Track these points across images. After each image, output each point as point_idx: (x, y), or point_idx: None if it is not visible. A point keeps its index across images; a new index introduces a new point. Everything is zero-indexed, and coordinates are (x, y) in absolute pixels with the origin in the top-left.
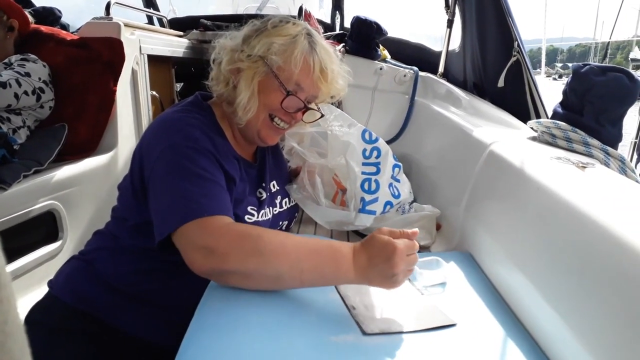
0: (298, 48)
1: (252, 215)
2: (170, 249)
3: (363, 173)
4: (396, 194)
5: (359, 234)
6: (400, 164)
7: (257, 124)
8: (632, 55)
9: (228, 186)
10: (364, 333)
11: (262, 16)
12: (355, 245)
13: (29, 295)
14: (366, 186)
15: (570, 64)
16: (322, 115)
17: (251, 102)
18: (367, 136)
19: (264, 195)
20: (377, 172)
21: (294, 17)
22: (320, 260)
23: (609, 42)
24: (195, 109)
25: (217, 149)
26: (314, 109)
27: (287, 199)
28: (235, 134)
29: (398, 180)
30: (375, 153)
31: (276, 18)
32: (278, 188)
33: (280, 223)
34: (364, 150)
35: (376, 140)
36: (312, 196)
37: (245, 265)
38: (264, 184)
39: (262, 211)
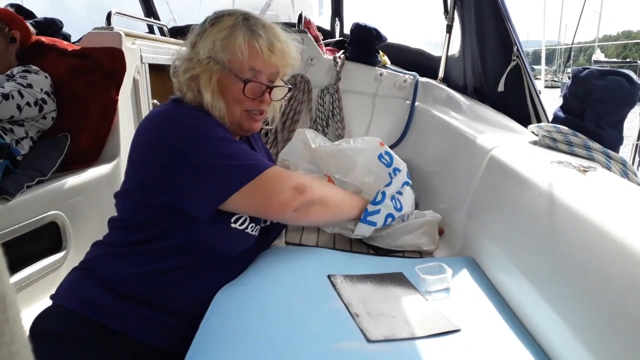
0: (239, 37)
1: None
2: (199, 230)
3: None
4: (398, 206)
5: (362, 242)
6: (410, 181)
7: (235, 119)
8: (594, 57)
9: None
10: (368, 340)
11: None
12: None
13: (33, 306)
14: (376, 198)
15: (535, 67)
16: (290, 89)
17: (215, 100)
18: (384, 160)
19: None
20: (389, 184)
21: (295, 24)
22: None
23: (571, 47)
24: (181, 105)
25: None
26: (279, 86)
27: None
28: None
29: (401, 194)
30: (397, 173)
31: (212, 15)
32: None
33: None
34: (390, 175)
35: (391, 160)
36: None
37: (323, 194)
38: None
39: None
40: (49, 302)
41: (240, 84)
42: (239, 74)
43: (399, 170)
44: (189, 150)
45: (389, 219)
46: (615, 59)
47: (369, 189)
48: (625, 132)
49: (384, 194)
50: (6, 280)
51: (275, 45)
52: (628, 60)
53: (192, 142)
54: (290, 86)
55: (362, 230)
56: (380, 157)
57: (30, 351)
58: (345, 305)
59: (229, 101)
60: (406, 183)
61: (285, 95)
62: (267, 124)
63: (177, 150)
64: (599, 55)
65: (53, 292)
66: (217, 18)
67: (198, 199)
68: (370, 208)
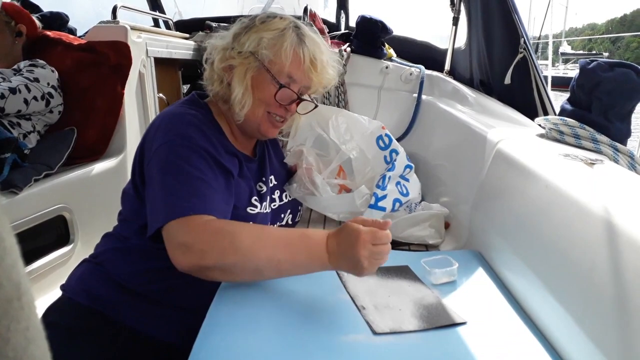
0: (287, 41)
1: (255, 207)
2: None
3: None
4: (404, 192)
5: None
6: (412, 164)
7: (256, 119)
8: (561, 50)
9: (226, 180)
10: (374, 333)
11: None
12: (330, 232)
13: (42, 299)
14: (380, 182)
15: None
16: (316, 106)
17: (245, 96)
18: (381, 143)
19: (265, 189)
20: (392, 169)
21: (300, 17)
22: (294, 250)
23: (539, 42)
24: (193, 107)
25: (213, 146)
26: (307, 100)
27: (287, 192)
28: (234, 130)
29: (407, 180)
30: (394, 155)
31: (264, 14)
32: (276, 182)
33: (282, 216)
34: (385, 157)
35: (390, 142)
36: (312, 192)
37: (223, 261)
38: (264, 178)
39: (264, 203)
40: (58, 294)
41: (274, 86)
42: (276, 76)
43: (397, 153)
44: (157, 162)
45: (397, 204)
46: (581, 51)
47: (356, 165)
48: (633, 125)
49: (384, 177)
50: (21, 268)
51: (318, 61)
52: (594, 52)
53: (167, 152)
54: (317, 104)
55: (373, 215)
56: (379, 138)
57: (44, 338)
58: (352, 298)
59: (255, 100)
60: (409, 166)
61: (309, 112)
62: (281, 134)
63: (154, 158)
64: (565, 48)
65: (61, 285)
66: (269, 18)
67: (148, 217)
68: (380, 193)
